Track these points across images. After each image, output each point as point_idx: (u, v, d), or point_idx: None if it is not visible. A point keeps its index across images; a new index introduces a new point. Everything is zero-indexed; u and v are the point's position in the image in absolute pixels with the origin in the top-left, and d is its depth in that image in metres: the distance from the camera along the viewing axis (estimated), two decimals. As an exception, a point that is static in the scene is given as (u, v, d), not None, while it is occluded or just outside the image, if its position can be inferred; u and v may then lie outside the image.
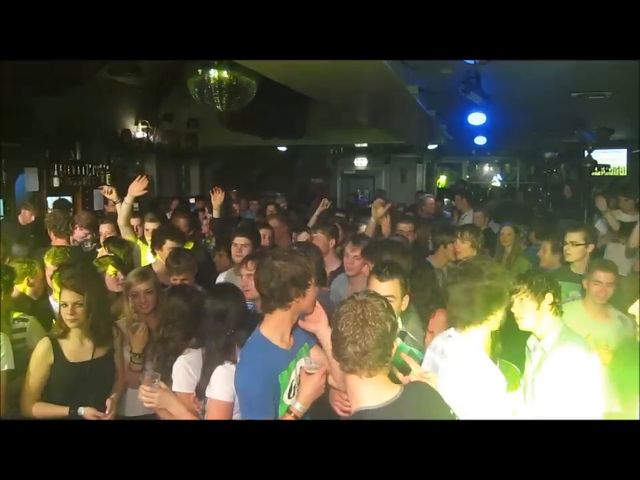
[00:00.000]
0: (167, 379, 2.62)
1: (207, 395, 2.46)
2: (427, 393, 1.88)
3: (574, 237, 3.91)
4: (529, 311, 2.62)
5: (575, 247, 3.89)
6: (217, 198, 5.49)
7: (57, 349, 2.89)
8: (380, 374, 1.74)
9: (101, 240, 4.90)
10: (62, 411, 2.79)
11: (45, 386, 2.86)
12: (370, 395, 1.74)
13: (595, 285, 3.38)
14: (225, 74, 5.71)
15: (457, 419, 1.87)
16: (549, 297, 2.62)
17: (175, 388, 2.58)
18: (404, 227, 5.05)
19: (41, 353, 2.87)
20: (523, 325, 2.66)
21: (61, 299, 2.93)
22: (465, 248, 4.18)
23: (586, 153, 10.38)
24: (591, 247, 3.88)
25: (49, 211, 6.63)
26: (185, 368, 2.60)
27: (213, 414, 2.40)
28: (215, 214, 5.63)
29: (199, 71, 5.76)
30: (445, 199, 10.55)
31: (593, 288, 3.39)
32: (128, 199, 4.60)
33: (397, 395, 1.75)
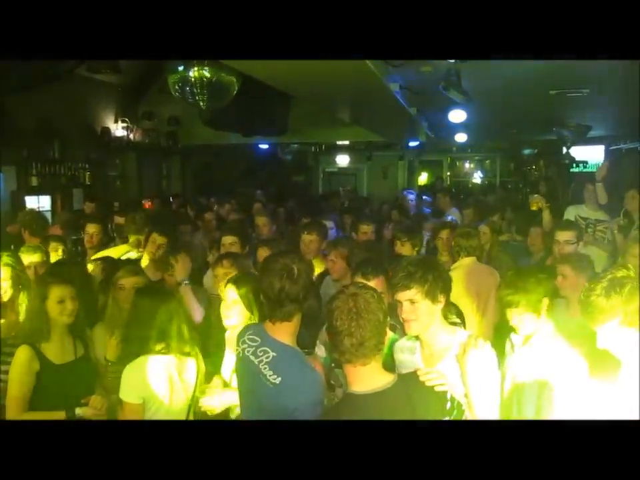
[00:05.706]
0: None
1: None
2: (421, 384, 1.90)
3: (566, 235, 3.87)
4: (530, 321, 2.54)
5: (569, 245, 3.85)
6: None
7: (40, 355, 2.76)
8: (373, 362, 1.81)
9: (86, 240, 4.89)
10: (58, 416, 2.65)
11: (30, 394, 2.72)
12: (361, 381, 1.82)
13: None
14: (206, 71, 5.66)
15: (450, 414, 1.86)
16: (546, 301, 2.55)
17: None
18: (365, 228, 4.99)
19: (23, 362, 2.73)
20: (521, 333, 2.58)
21: (52, 296, 2.79)
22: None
23: (564, 150, 10.52)
24: (581, 245, 3.88)
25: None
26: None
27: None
28: None
29: (180, 67, 5.71)
30: (424, 197, 10.57)
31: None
32: None
33: (389, 384, 1.82)
